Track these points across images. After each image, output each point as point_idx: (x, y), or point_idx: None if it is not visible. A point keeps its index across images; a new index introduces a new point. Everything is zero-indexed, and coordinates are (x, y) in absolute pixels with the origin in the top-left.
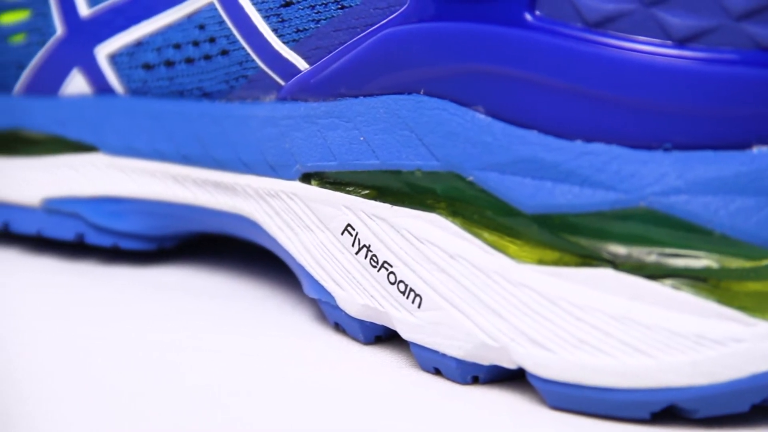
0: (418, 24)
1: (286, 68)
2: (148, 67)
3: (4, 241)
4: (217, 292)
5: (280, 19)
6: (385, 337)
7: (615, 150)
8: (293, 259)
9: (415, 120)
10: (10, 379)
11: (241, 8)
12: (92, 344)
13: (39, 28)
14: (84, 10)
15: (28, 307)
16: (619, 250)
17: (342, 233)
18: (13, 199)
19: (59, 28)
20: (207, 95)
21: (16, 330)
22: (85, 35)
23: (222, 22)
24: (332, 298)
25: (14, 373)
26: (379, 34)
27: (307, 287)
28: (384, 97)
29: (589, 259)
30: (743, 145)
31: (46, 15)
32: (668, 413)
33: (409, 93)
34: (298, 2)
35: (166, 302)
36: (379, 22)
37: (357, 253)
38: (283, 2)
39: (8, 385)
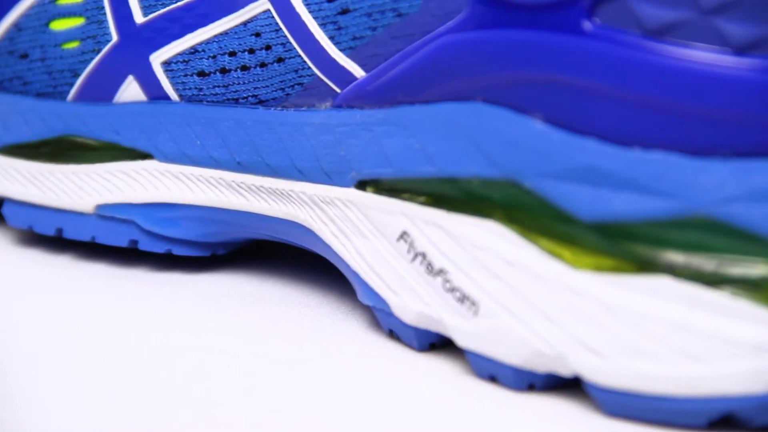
0: (475, 31)
1: (342, 76)
2: (203, 74)
3: (57, 247)
4: (270, 298)
5: (336, 27)
6: (439, 344)
7: (674, 158)
8: (347, 266)
9: (472, 128)
10: (66, 381)
11: (297, 16)
12: (145, 350)
13: (94, 35)
14: (139, 17)
15: (81, 312)
16: (678, 258)
17: (397, 240)
18: (67, 205)
19: (114, 36)
20: (262, 102)
21: (70, 335)
22: (140, 43)
23: (278, 29)
24: (387, 305)
25: (68, 376)
26: (436, 42)
27: (361, 294)
28: (441, 105)
29: (647, 266)
30: None
31: (102, 22)
32: (725, 421)
33: (467, 100)
34: (355, 10)
35: (218, 309)
36: (436, 30)
37: (413, 261)
38: (340, 10)
39: (66, 386)
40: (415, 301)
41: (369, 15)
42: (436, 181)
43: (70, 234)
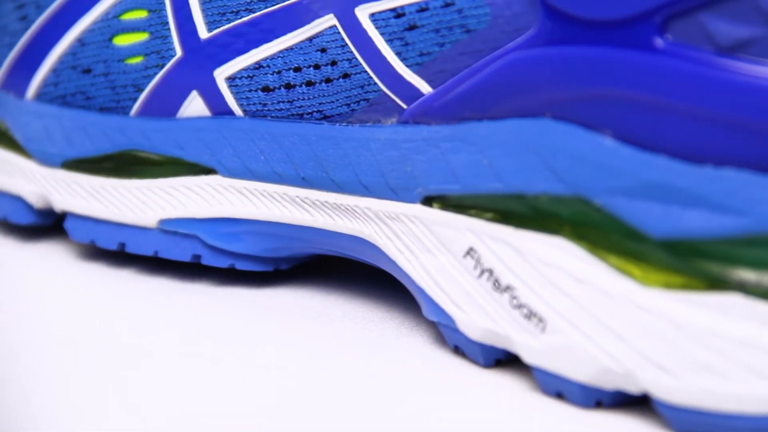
0: (545, 48)
1: (408, 91)
2: (267, 89)
3: (120, 261)
4: (333, 313)
5: (403, 43)
6: (505, 360)
7: (746, 175)
8: (413, 281)
9: (541, 144)
10: (129, 395)
11: (364, 32)
12: (209, 365)
13: (158, 50)
14: (203, 32)
15: (143, 327)
16: (749, 275)
17: (464, 256)
18: (130, 220)
19: (178, 51)
20: (327, 118)
21: (133, 350)
22: (204, 58)
23: (344, 45)
24: (452, 321)
25: (132, 390)
26: (505, 58)
27: (426, 310)
28: (509, 121)
29: (717, 284)
30: None
31: (166, 37)
32: None
33: (535, 117)
34: (423, 26)
35: (281, 324)
36: (505, 46)
37: (479, 277)
38: (407, 26)
39: (128, 401)
40: (481, 318)
41: (437, 31)
42: (503, 198)
43: (132, 248)
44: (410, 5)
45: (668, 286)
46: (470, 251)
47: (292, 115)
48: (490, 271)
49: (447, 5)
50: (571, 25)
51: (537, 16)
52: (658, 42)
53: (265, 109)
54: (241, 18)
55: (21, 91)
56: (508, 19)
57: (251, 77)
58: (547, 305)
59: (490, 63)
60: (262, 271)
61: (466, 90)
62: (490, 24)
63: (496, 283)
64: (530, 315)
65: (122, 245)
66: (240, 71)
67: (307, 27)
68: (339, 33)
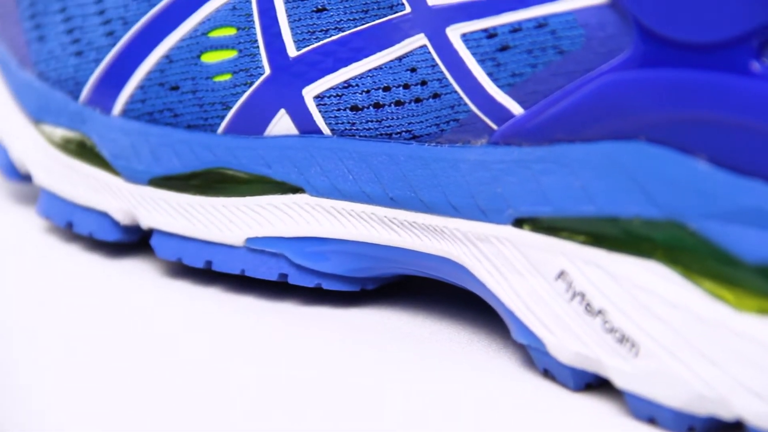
0: (640, 70)
1: (499, 112)
2: (356, 109)
3: (206, 279)
4: (420, 334)
5: (495, 64)
6: (595, 384)
7: None
8: (502, 303)
9: (635, 167)
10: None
11: (455, 52)
12: (294, 385)
13: (246, 68)
14: (292, 51)
15: (230, 347)
16: None
17: (556, 279)
18: (217, 238)
19: (267, 69)
20: (416, 138)
21: (219, 367)
22: (292, 76)
23: (435, 65)
24: (542, 344)
25: (218, 410)
26: (599, 80)
27: (515, 332)
28: (603, 144)
29: None
30: None
31: (254, 55)
32: None
33: (629, 139)
34: (515, 47)
35: (368, 344)
36: (598, 68)
37: (571, 300)
38: (499, 46)
39: (216, 421)
40: (572, 341)
41: (529, 52)
42: (596, 221)
43: (219, 267)
44: (503, 26)
45: (762, 311)
46: (562, 274)
47: (381, 134)
48: (582, 295)
49: (540, 26)
50: (666, 47)
51: (632, 38)
52: (755, 66)
53: (354, 128)
54: (330, 36)
55: (107, 107)
56: (603, 41)
57: (340, 96)
58: (640, 329)
59: (583, 85)
60: (349, 290)
61: (559, 112)
62: (583, 45)
63: (588, 307)
64: (623, 339)
65: (209, 263)
66: (328, 90)
67: (397, 46)
68: (429, 53)
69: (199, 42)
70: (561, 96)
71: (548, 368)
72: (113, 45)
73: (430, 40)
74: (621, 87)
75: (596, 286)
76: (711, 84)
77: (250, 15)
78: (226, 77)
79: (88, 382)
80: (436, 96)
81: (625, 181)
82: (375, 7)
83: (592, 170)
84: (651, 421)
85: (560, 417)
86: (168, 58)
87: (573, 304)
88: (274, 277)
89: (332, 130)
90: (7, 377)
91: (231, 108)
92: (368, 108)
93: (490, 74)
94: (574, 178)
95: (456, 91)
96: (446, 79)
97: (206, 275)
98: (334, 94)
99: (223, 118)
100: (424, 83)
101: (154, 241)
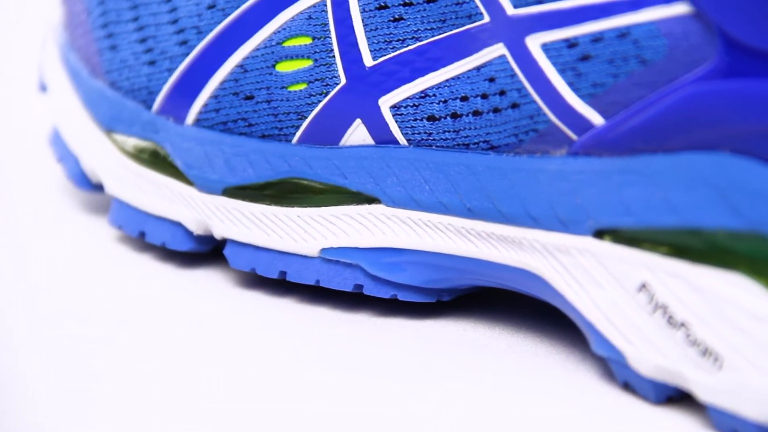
0: (724, 80)
1: (579, 123)
2: (433, 119)
3: (280, 289)
4: (497, 346)
5: (576, 73)
6: (677, 397)
7: None
8: (581, 315)
9: (719, 179)
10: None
11: (534, 62)
12: (370, 397)
13: (322, 77)
14: (368, 60)
15: (304, 358)
16: None
17: (637, 291)
18: (291, 248)
19: (342, 78)
20: (494, 148)
21: (293, 378)
22: (369, 86)
23: (514, 75)
24: (623, 356)
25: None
26: (682, 91)
27: (595, 344)
28: (686, 155)
29: None
30: None
31: (330, 65)
32: None
33: (713, 150)
34: (597, 56)
35: (445, 356)
36: (681, 78)
37: (653, 313)
38: (580, 56)
39: None
40: (653, 354)
41: (611, 62)
42: (678, 232)
43: (293, 277)
44: (584, 35)
45: None
46: (644, 286)
47: (458, 144)
48: (665, 307)
49: (622, 35)
50: (751, 57)
51: (716, 47)
52: None
53: (430, 138)
54: (407, 46)
55: (181, 117)
56: (686, 51)
57: (416, 106)
58: (724, 343)
59: (666, 95)
60: (424, 302)
61: (641, 122)
62: (666, 55)
63: (671, 319)
64: (706, 352)
65: (283, 273)
66: (405, 100)
67: (476, 56)
68: (508, 62)
69: (274, 51)
70: (643, 106)
71: (629, 381)
72: (187, 54)
73: (509, 49)
74: (705, 97)
75: (679, 298)
76: None
77: (326, 24)
78: (302, 87)
79: (164, 392)
80: (515, 106)
81: (709, 193)
82: (453, 17)
83: (675, 181)
84: None
85: (641, 431)
86: (242, 67)
87: (655, 317)
88: (349, 288)
89: (408, 140)
90: (84, 387)
91: (306, 118)
92: (445, 118)
93: (570, 84)
94: (656, 189)
95: (535, 101)
96: (525, 89)
97: (280, 285)
98: (411, 104)
99: (297, 127)
100: (502, 93)
101: (227, 251)
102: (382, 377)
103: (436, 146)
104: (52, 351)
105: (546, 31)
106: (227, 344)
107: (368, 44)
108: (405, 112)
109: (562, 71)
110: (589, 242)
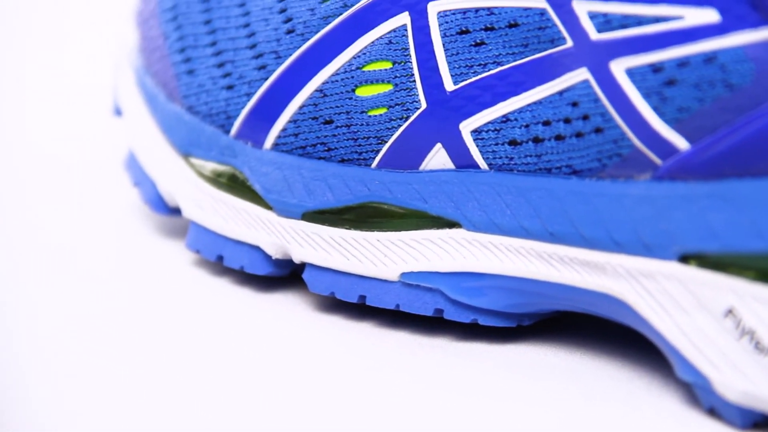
0: None
1: (664, 147)
2: (514, 143)
3: (359, 313)
4: (578, 371)
5: (661, 98)
6: (763, 423)
7: None
8: (665, 341)
9: None
10: None
11: (618, 86)
12: (448, 423)
13: (402, 102)
14: (449, 85)
15: (384, 382)
16: None
17: (724, 317)
18: (371, 272)
19: (423, 103)
20: (576, 173)
21: (375, 403)
22: (449, 110)
23: (597, 100)
24: (708, 382)
25: None
26: None
27: (680, 370)
28: None
29: None
30: None
31: (410, 89)
32: None
33: None
34: (683, 81)
35: (525, 380)
36: None
37: (740, 338)
38: (666, 81)
39: None
40: (740, 380)
41: (697, 86)
42: (765, 257)
43: (373, 301)
44: (670, 60)
45: None
46: (730, 311)
47: (540, 169)
48: (752, 333)
49: (709, 60)
50: None
51: None
52: None
53: (512, 162)
54: (488, 70)
55: (259, 141)
56: None
57: (498, 130)
58: None
59: (753, 120)
60: (505, 326)
61: (727, 147)
62: (753, 80)
63: (759, 345)
64: None
65: (363, 298)
66: (486, 124)
67: (558, 80)
68: (592, 87)
69: (353, 76)
70: (730, 131)
71: (714, 406)
72: (265, 79)
73: (592, 74)
74: None
75: (767, 324)
76: None
77: (407, 49)
78: (382, 111)
79: (245, 417)
80: (598, 131)
81: None
82: (535, 41)
83: (762, 206)
84: None
85: None
86: (321, 91)
87: (742, 342)
88: (429, 313)
89: (489, 164)
90: (166, 411)
91: (386, 142)
92: (527, 142)
93: (655, 109)
94: (743, 214)
95: (619, 126)
96: (609, 113)
97: (358, 310)
98: (492, 129)
99: (377, 152)
100: (585, 117)
101: (306, 276)
102: (462, 402)
103: (518, 171)
104: (131, 375)
105: (631, 55)
106: (306, 369)
107: (449, 69)
108: (486, 137)
109: (647, 96)
110: (675, 267)
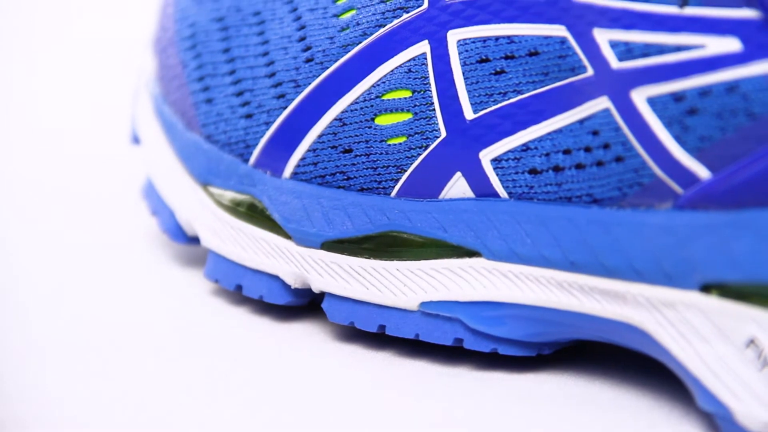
0: None
1: (685, 177)
2: (534, 172)
3: (378, 343)
4: (599, 400)
5: (683, 127)
6: None
7: None
8: (686, 370)
9: None
10: None
11: (639, 115)
12: None
13: (422, 131)
14: (469, 113)
15: (404, 412)
16: None
17: (746, 347)
18: (390, 302)
19: (443, 132)
20: (597, 201)
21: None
22: (469, 139)
23: (618, 128)
24: (730, 412)
25: None
26: None
27: (701, 399)
28: None
29: None
30: None
31: (430, 118)
32: None
33: None
34: (704, 110)
35: (545, 410)
36: None
37: (762, 368)
38: (687, 110)
39: None
40: (760, 410)
41: (719, 115)
42: None
43: (392, 331)
44: (691, 89)
45: None
46: (752, 341)
47: (560, 198)
48: None
49: (731, 89)
50: None
51: None
52: None
53: (532, 191)
54: (509, 99)
55: (278, 170)
56: None
57: (518, 159)
58: None
59: None
60: (525, 356)
61: (749, 176)
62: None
63: None
64: None
65: (382, 327)
66: (506, 153)
67: (578, 109)
68: (612, 116)
69: (373, 104)
70: (751, 160)
71: None
72: (284, 108)
73: (613, 102)
74: None
75: None
76: None
77: (426, 77)
78: (401, 140)
79: None
80: (619, 159)
81: None
82: (555, 70)
83: None
84: None
85: None
86: (340, 120)
87: (764, 373)
88: (449, 342)
89: (509, 193)
90: None
91: (405, 171)
92: (547, 171)
93: (677, 138)
94: (765, 244)
95: (640, 155)
96: (630, 142)
97: (378, 339)
98: (513, 157)
99: (397, 181)
100: (606, 146)
101: (325, 305)
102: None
103: (538, 199)
104: (149, 404)
105: (652, 84)
106: (326, 398)
107: (469, 97)
108: (506, 165)
109: (668, 125)
110: (696, 297)
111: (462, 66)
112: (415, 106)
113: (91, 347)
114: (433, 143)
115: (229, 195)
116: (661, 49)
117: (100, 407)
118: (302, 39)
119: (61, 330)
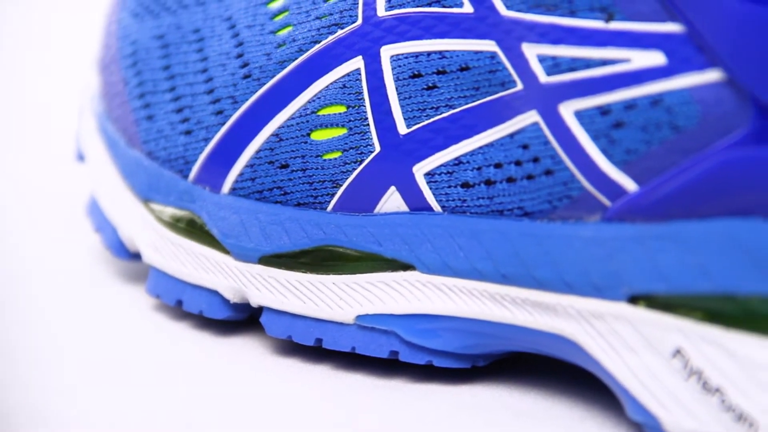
0: (758, 147)
1: (613, 189)
2: (467, 186)
3: (315, 356)
4: (533, 411)
5: (609, 141)
6: None
7: None
8: (616, 381)
9: (753, 244)
10: None
11: (567, 129)
12: None
13: (356, 146)
14: (402, 128)
15: (341, 425)
16: None
17: (672, 357)
18: (327, 315)
19: (377, 146)
20: (528, 215)
21: None
22: (403, 153)
23: (547, 142)
24: (658, 422)
25: None
26: (716, 157)
27: (630, 410)
28: (720, 221)
29: None
30: None
31: (364, 133)
32: None
33: (747, 216)
34: (630, 123)
35: (482, 422)
36: (715, 144)
37: (688, 378)
38: (613, 123)
39: None
40: (688, 419)
41: (644, 129)
42: (713, 298)
43: (329, 344)
44: (617, 102)
45: None
46: (678, 352)
47: (492, 211)
48: (700, 373)
49: (655, 102)
50: None
51: (749, 114)
52: None
53: (464, 205)
54: (441, 114)
55: (216, 186)
56: (719, 118)
57: (451, 173)
58: (758, 408)
59: (700, 162)
60: (460, 368)
61: (675, 189)
62: (699, 122)
63: (706, 385)
64: (740, 417)
65: (319, 341)
66: (439, 167)
67: (509, 123)
68: (541, 129)
69: (308, 120)
70: (677, 173)
71: None
72: (223, 124)
73: (542, 116)
74: (738, 164)
75: (714, 364)
76: None
77: (360, 93)
78: (336, 155)
79: None
80: (548, 173)
81: (743, 258)
82: (486, 84)
83: (710, 247)
84: None
85: None
86: (277, 136)
87: (690, 382)
88: (384, 355)
89: (443, 206)
90: None
91: (341, 186)
92: (479, 185)
93: (604, 151)
94: (690, 255)
95: (569, 168)
96: (559, 156)
97: (316, 353)
98: (445, 171)
99: (332, 195)
100: (536, 160)
101: (264, 319)
102: None
103: (470, 213)
104: (88, 418)
105: (579, 98)
106: (265, 412)
107: (402, 112)
108: (439, 180)
109: (595, 138)
110: (624, 308)
111: (395, 81)
112: (350, 121)
113: (31, 362)
114: (367, 158)
115: (169, 211)
116: (588, 63)
117: (39, 422)
118: (240, 56)
119: None
